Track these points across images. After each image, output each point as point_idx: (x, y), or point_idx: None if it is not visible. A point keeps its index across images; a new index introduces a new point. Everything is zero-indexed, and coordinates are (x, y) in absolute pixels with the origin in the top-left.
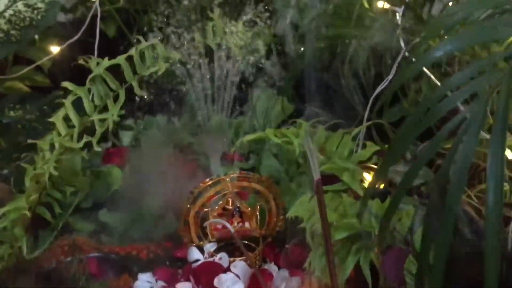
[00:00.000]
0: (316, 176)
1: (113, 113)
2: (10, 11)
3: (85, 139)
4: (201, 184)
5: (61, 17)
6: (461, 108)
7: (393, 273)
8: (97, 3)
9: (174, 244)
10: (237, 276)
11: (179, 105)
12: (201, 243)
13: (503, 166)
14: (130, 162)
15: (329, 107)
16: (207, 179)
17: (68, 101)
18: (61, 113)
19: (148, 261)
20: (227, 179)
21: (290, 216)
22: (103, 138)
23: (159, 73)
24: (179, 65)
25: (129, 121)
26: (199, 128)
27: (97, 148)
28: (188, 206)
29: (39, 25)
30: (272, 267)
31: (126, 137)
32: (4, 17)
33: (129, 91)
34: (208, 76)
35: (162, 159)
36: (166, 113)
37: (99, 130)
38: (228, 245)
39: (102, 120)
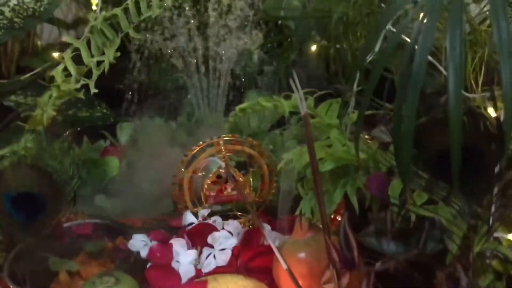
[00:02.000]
0: (303, 111)
1: (109, 55)
2: (14, 1)
3: (82, 81)
4: (194, 147)
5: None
6: None
7: (378, 193)
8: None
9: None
10: (230, 233)
11: (176, 106)
12: (196, 209)
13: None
14: (128, 155)
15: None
16: (200, 142)
17: (67, 54)
18: (60, 67)
19: (143, 228)
20: (221, 142)
21: (285, 160)
22: (102, 136)
23: (153, 16)
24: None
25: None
26: (196, 125)
27: (93, 90)
28: (182, 170)
29: (41, 16)
30: (264, 226)
31: (123, 137)
32: (9, 6)
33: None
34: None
35: (158, 152)
36: (163, 114)
37: (95, 73)
38: (222, 212)
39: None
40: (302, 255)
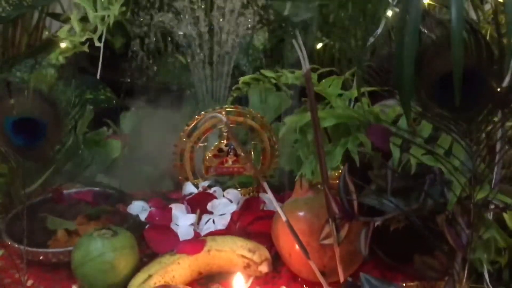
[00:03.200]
0: (305, 68)
1: (114, 10)
2: None
3: (87, 35)
4: (196, 117)
5: None
6: None
7: (379, 142)
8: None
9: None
10: (230, 201)
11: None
12: (196, 181)
13: None
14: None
15: None
16: (202, 112)
17: (74, 15)
18: (65, 27)
19: (142, 199)
20: (223, 113)
21: (286, 125)
22: (105, 124)
23: None
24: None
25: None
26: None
27: (98, 44)
28: (184, 140)
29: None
30: (264, 196)
31: (126, 126)
32: None
33: (131, 86)
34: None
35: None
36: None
37: (100, 28)
38: (221, 184)
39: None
40: (301, 213)
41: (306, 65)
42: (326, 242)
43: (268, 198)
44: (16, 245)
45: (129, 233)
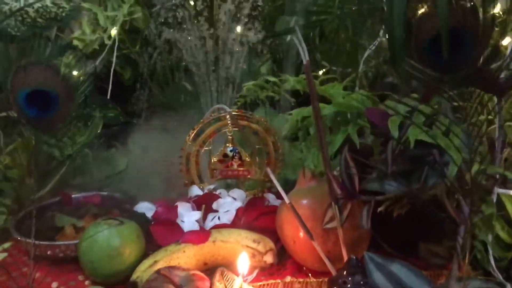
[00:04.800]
0: (305, 60)
1: (123, 10)
2: (38, 4)
3: (98, 34)
4: (201, 121)
5: None
6: None
7: (378, 121)
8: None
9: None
10: (234, 199)
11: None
12: (202, 185)
13: None
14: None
15: None
16: (207, 115)
17: (84, 19)
18: (77, 33)
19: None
20: (227, 116)
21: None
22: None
23: None
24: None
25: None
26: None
27: (107, 41)
28: (189, 143)
29: (62, 20)
30: (269, 196)
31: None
32: (33, 7)
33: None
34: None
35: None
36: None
37: (110, 28)
38: (228, 187)
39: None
40: (305, 201)
41: (306, 57)
42: (329, 226)
43: (273, 197)
44: (25, 239)
45: (135, 224)
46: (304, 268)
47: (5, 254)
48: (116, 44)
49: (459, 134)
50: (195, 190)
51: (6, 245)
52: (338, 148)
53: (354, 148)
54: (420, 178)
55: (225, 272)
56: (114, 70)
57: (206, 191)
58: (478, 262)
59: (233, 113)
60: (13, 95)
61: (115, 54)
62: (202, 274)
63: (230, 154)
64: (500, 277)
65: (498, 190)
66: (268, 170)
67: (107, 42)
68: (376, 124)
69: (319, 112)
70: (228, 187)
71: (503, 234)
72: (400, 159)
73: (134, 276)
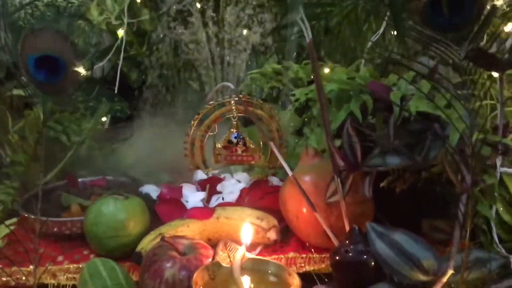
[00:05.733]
0: (308, 38)
1: None
2: None
3: (105, 15)
4: (206, 107)
5: None
6: None
7: (380, 92)
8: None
9: None
10: (239, 181)
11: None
12: (206, 170)
13: None
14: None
15: None
16: (212, 101)
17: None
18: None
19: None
20: (232, 102)
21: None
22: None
23: None
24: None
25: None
26: None
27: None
28: (194, 129)
29: (71, 14)
30: (273, 178)
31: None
32: (43, 1)
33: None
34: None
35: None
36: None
37: (116, 7)
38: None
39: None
40: (307, 177)
41: (309, 35)
42: (332, 199)
43: (276, 180)
44: (31, 216)
45: (140, 199)
46: (307, 244)
47: (12, 228)
48: (123, 45)
49: (459, 109)
50: (200, 175)
51: (12, 220)
52: (341, 124)
53: (357, 123)
54: (422, 151)
55: (228, 243)
56: (120, 71)
57: (210, 175)
58: (482, 245)
59: (237, 98)
60: (23, 59)
61: (121, 55)
62: (205, 243)
63: (235, 140)
64: (503, 251)
65: (501, 169)
66: (272, 144)
67: (114, 22)
68: (379, 98)
69: (321, 86)
70: (232, 173)
71: (506, 217)
72: (402, 133)
73: (138, 247)
